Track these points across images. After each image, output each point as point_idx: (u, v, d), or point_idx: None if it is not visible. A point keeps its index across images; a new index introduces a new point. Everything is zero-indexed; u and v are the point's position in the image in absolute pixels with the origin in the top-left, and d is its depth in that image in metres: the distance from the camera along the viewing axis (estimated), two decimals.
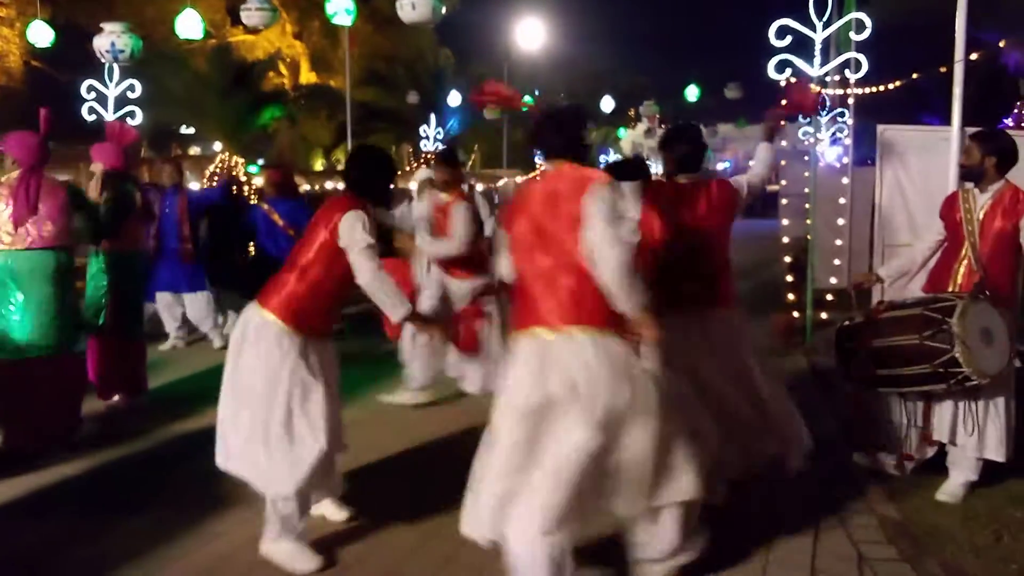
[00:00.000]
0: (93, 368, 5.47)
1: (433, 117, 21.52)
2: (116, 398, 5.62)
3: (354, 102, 12.71)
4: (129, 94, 9.83)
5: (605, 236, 2.73)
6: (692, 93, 21.45)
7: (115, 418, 5.43)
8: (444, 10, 8.05)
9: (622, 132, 32.65)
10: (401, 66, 25.57)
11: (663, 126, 37.21)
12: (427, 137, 21.17)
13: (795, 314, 7.83)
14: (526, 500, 2.75)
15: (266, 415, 3.27)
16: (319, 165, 27.98)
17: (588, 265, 2.77)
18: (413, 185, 6.99)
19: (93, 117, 9.95)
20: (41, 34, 10.39)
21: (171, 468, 4.52)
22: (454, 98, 21.98)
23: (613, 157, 32.58)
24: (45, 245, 4.67)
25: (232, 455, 3.40)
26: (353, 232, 3.29)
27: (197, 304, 7.48)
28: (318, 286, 3.36)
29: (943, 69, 5.45)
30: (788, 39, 7.14)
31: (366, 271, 3.30)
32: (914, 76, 6.94)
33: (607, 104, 23.12)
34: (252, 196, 11.86)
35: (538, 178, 3.30)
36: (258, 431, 3.29)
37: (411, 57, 26.42)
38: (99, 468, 4.51)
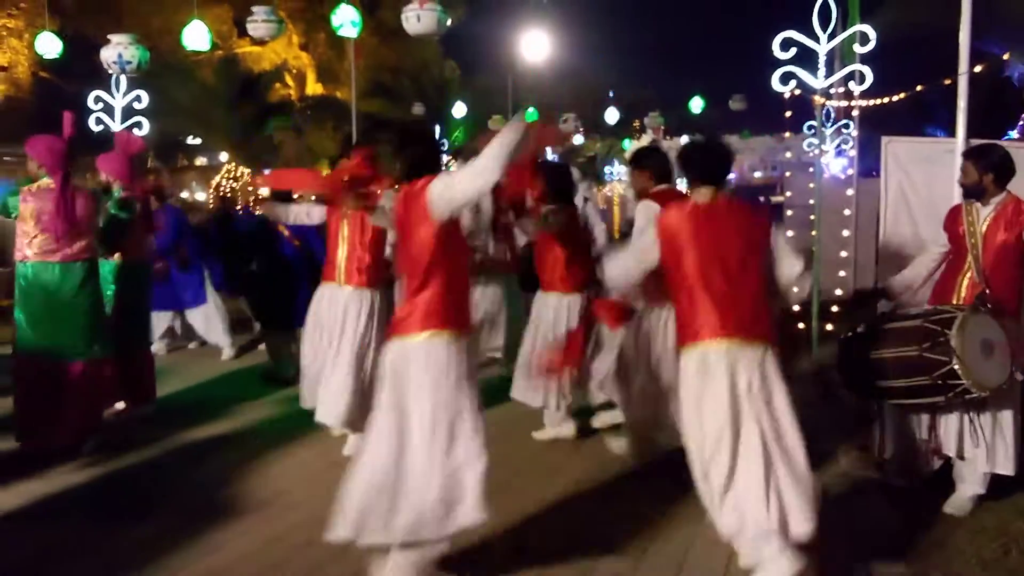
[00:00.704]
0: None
1: (438, 128, 21.57)
2: (120, 406, 5.63)
3: (360, 113, 12.74)
4: (136, 105, 9.89)
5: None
6: (697, 105, 21.48)
7: (122, 426, 5.44)
8: (449, 22, 8.07)
9: (627, 144, 32.67)
10: (406, 78, 25.68)
11: (668, 137, 37.29)
12: None
13: (800, 325, 7.81)
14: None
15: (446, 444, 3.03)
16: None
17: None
18: None
19: (100, 128, 10.00)
20: (49, 45, 10.45)
21: (176, 477, 4.53)
22: (459, 109, 22.02)
23: (618, 169, 32.64)
24: (79, 255, 4.77)
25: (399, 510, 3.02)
26: (443, 182, 3.10)
27: (199, 317, 7.55)
28: (451, 273, 3.16)
29: (947, 81, 5.45)
30: (792, 51, 7.15)
31: (476, 166, 3.03)
32: (918, 88, 6.94)
33: (612, 116, 23.15)
34: (256, 207, 11.91)
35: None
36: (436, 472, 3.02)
37: (416, 69, 26.53)
38: (105, 476, 4.52)
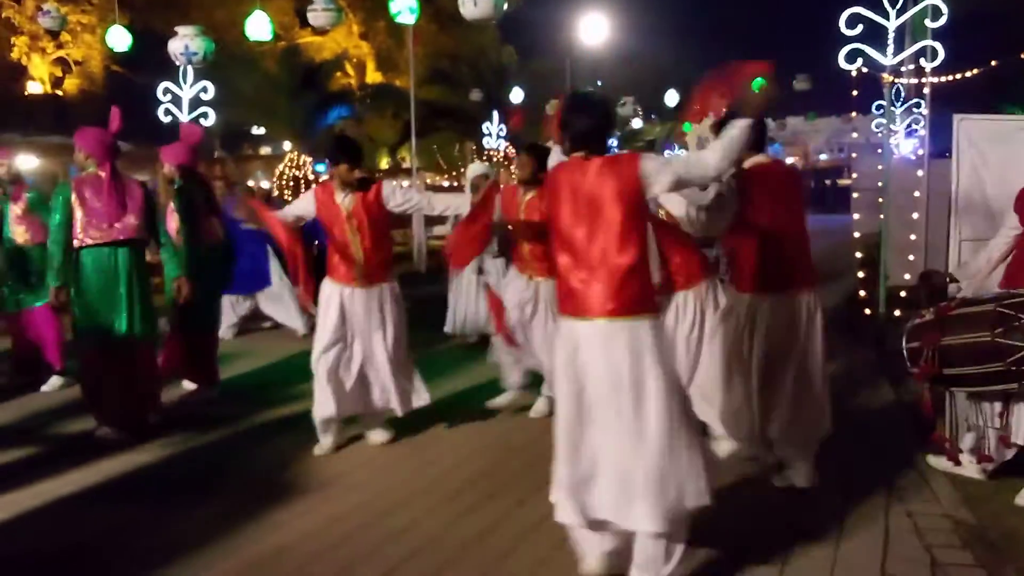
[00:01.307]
0: (165, 359, 5.67)
1: (496, 114, 21.57)
2: (189, 386, 5.82)
3: (418, 100, 12.83)
4: (202, 96, 10.15)
5: None
6: (759, 85, 20.95)
7: (186, 407, 5.63)
8: (506, 6, 8.05)
9: (688, 126, 32.15)
10: (464, 64, 25.74)
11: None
12: (490, 134, 21.24)
13: (867, 311, 7.61)
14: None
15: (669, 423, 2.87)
16: (384, 163, 28.38)
17: None
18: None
19: (169, 119, 10.30)
20: (120, 39, 10.81)
21: (240, 457, 4.66)
22: (516, 95, 21.99)
23: (679, 152, 32.14)
24: (130, 237, 4.95)
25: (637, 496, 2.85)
26: (656, 160, 3.00)
27: (268, 299, 7.75)
28: (642, 252, 2.98)
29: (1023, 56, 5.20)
30: (859, 28, 6.92)
31: (704, 154, 3.06)
32: (992, 64, 6.65)
33: (672, 98, 22.80)
34: None
35: None
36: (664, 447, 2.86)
37: (474, 55, 26.57)
38: (172, 456, 4.67)
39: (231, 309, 7.85)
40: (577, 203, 2.96)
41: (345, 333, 4.61)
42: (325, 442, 4.65)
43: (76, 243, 4.88)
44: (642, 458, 2.84)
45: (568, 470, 2.94)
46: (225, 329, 7.80)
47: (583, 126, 3.04)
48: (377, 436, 4.79)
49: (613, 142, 28.77)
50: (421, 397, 4.83)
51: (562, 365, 2.99)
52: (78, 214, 4.85)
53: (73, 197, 4.86)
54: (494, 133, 21.32)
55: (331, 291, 4.62)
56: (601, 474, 2.92)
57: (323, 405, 4.59)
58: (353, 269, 4.57)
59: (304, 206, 4.72)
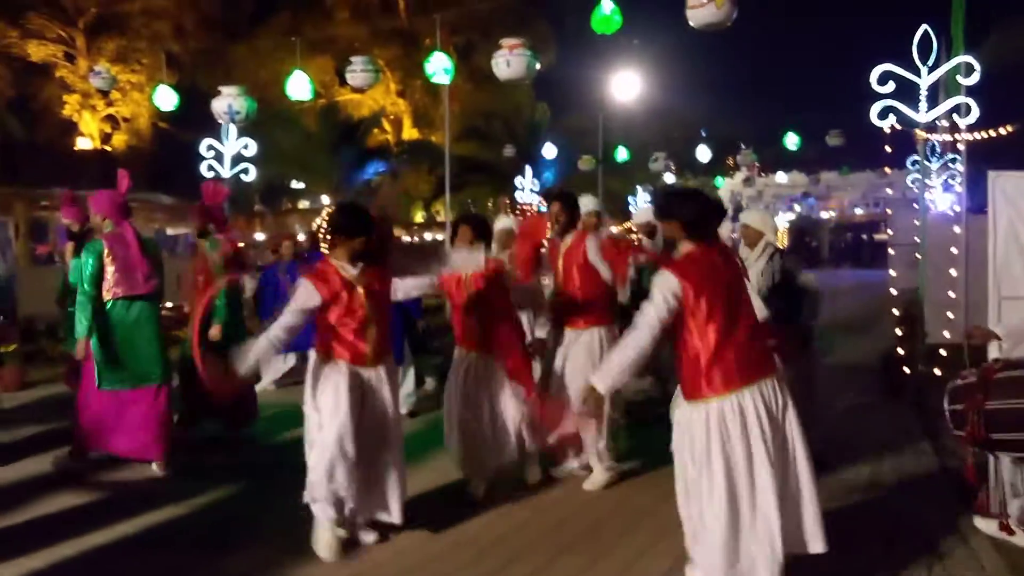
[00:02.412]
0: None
1: (529, 169, 21.85)
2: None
3: (453, 156, 13.07)
4: (244, 152, 10.47)
5: None
6: (792, 141, 20.99)
7: (226, 454, 5.68)
8: (538, 66, 8.23)
9: (720, 181, 32.24)
10: (499, 120, 26.21)
11: (762, 175, 36.52)
12: (523, 188, 21.50)
13: (906, 369, 7.46)
14: None
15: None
16: (419, 216, 28.80)
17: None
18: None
19: (211, 174, 10.61)
20: (166, 99, 11.19)
21: (274, 509, 4.65)
22: (549, 150, 22.27)
23: None
24: (150, 291, 5.31)
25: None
26: None
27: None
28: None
29: None
30: (891, 85, 6.95)
31: None
32: None
33: (703, 154, 22.90)
34: None
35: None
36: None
37: (508, 112, 27.07)
38: (201, 507, 4.69)
39: (278, 363, 7.97)
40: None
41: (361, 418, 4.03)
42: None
43: (107, 296, 5.17)
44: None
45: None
46: (268, 382, 7.97)
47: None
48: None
49: (646, 196, 28.94)
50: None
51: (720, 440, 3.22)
52: (108, 270, 5.16)
53: (105, 252, 5.17)
54: (527, 187, 21.56)
55: (346, 372, 3.99)
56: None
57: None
58: (367, 347, 4.00)
59: (304, 305, 3.93)
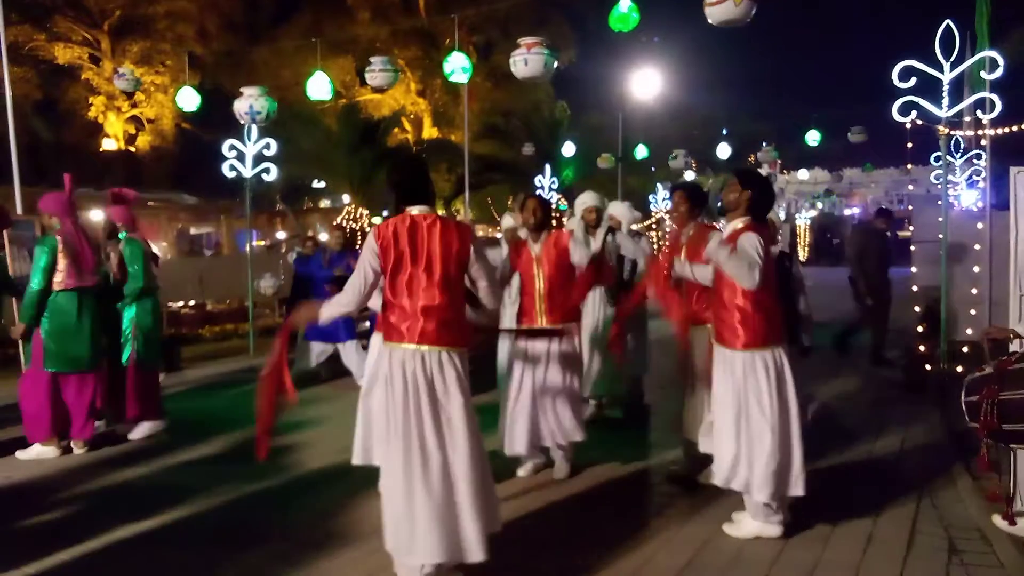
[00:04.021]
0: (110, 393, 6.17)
1: (548, 167, 21.85)
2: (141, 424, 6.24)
3: (472, 155, 13.12)
4: (265, 151, 10.55)
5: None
6: (813, 138, 20.79)
7: (240, 453, 5.74)
8: (556, 64, 8.24)
9: None
10: (518, 119, 26.21)
11: (784, 172, 36.24)
12: (542, 187, 21.49)
13: (927, 367, 7.40)
14: None
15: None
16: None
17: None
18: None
19: (233, 174, 10.71)
20: (189, 100, 11.32)
21: (291, 506, 4.72)
22: (568, 148, 22.25)
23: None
24: (95, 283, 5.88)
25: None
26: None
27: (348, 352, 7.99)
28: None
29: None
30: (913, 80, 6.88)
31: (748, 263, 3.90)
32: None
33: (724, 151, 22.77)
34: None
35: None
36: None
37: (527, 110, 27.07)
38: (220, 503, 4.75)
39: (312, 355, 8.26)
40: None
41: None
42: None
43: (57, 287, 5.65)
44: None
45: None
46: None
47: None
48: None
49: (665, 195, 28.82)
50: None
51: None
52: (62, 263, 5.63)
53: (59, 247, 5.63)
54: (546, 186, 21.56)
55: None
56: None
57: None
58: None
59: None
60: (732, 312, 4.00)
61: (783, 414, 3.93)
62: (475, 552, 3.32)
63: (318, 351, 8.32)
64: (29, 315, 5.63)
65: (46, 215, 5.84)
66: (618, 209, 6.75)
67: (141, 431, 6.17)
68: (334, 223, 19.12)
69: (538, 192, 21.49)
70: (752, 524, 4.02)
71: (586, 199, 6.25)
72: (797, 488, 3.93)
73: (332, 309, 3.62)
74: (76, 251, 5.72)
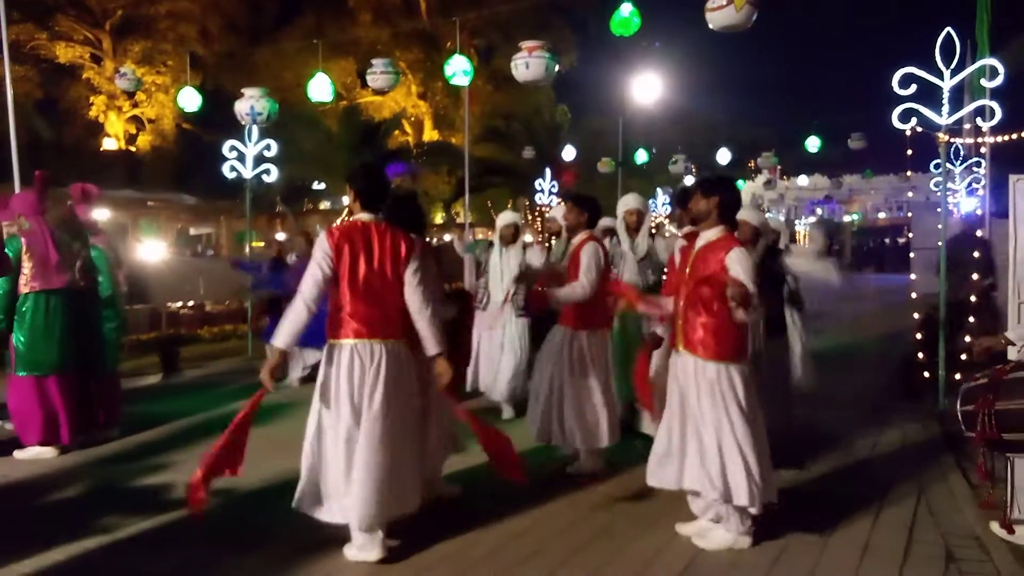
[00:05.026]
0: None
1: (548, 171, 21.87)
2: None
3: (473, 158, 13.11)
4: (266, 153, 10.56)
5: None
6: (813, 144, 20.82)
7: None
8: (557, 68, 8.24)
9: (740, 184, 32.12)
10: (518, 122, 26.25)
11: (784, 177, 36.27)
12: (542, 190, 21.51)
13: (925, 374, 7.40)
14: None
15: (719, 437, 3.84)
16: (439, 218, 28.89)
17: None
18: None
19: (234, 174, 10.72)
20: (191, 100, 11.32)
21: (289, 506, 4.70)
22: (568, 152, 22.27)
23: None
24: (63, 285, 5.72)
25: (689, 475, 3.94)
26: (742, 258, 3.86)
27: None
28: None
29: None
30: (912, 88, 6.88)
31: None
32: None
33: (724, 156, 22.79)
34: None
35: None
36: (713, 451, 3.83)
37: (528, 113, 27.09)
38: (228, 505, 4.73)
39: (301, 359, 8.21)
40: None
41: None
42: None
43: (24, 290, 5.60)
44: None
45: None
46: (293, 379, 8.21)
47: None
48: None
49: (665, 200, 28.81)
50: None
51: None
52: (24, 265, 5.58)
53: (24, 249, 5.57)
54: (546, 189, 21.58)
55: None
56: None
57: None
58: None
59: None
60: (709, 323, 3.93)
61: (728, 422, 3.85)
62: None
63: (313, 360, 8.16)
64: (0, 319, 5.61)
65: (15, 213, 5.76)
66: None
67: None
68: (332, 224, 19.16)
69: (537, 194, 21.60)
70: (720, 535, 3.97)
71: (628, 201, 6.13)
72: (740, 497, 3.79)
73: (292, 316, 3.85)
74: (41, 253, 5.64)
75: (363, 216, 3.91)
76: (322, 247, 3.80)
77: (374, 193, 3.97)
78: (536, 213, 21.75)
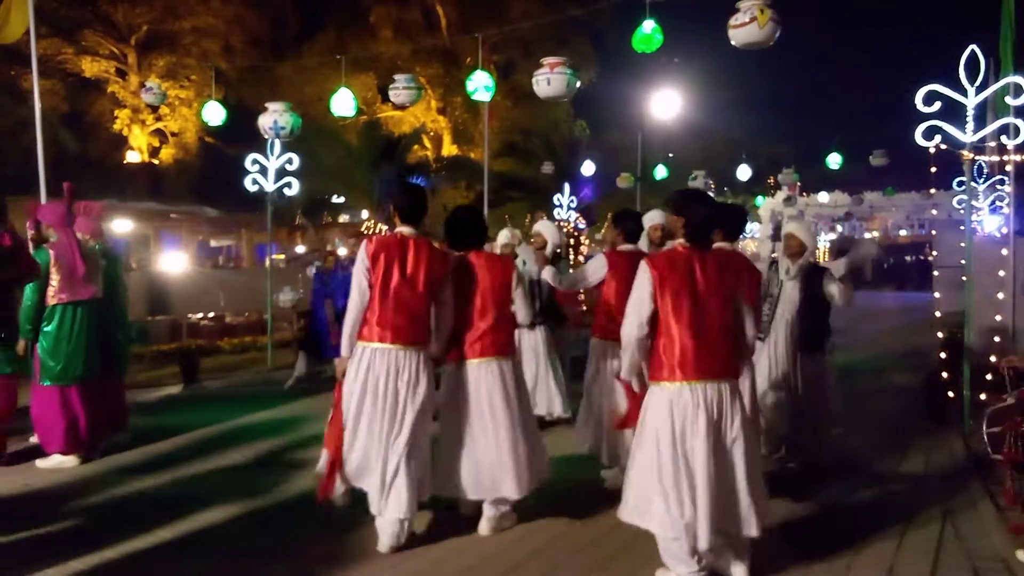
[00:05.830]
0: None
1: (567, 186, 21.88)
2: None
3: (491, 172, 13.15)
4: (287, 166, 10.64)
5: None
6: (834, 160, 20.68)
7: (259, 465, 5.76)
8: (578, 84, 8.25)
9: (760, 200, 31.97)
10: (537, 137, 26.28)
11: (804, 194, 36.08)
12: (561, 205, 21.52)
13: (950, 394, 7.30)
14: None
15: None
16: None
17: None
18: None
19: (256, 188, 10.80)
20: (215, 114, 11.43)
21: (308, 518, 4.70)
22: (588, 167, 22.27)
23: (751, 226, 31.82)
24: (90, 296, 5.82)
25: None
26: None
27: None
28: None
29: None
30: (936, 105, 6.83)
31: None
32: None
33: (743, 172, 22.71)
34: None
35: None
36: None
37: (547, 129, 27.13)
38: (250, 516, 4.76)
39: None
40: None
41: None
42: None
43: (51, 301, 5.66)
44: None
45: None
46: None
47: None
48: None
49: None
50: None
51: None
52: (52, 276, 5.64)
53: (52, 261, 5.64)
54: (565, 204, 21.58)
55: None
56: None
57: None
58: None
59: None
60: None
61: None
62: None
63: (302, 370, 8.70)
64: (26, 329, 5.66)
65: (44, 225, 5.85)
66: (546, 229, 7.07)
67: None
68: (353, 232, 19.24)
69: (556, 210, 21.61)
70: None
71: (654, 216, 6.01)
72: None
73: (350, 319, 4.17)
74: (69, 265, 5.71)
75: (403, 230, 4.24)
76: (361, 258, 4.13)
77: (415, 209, 4.27)
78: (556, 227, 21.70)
